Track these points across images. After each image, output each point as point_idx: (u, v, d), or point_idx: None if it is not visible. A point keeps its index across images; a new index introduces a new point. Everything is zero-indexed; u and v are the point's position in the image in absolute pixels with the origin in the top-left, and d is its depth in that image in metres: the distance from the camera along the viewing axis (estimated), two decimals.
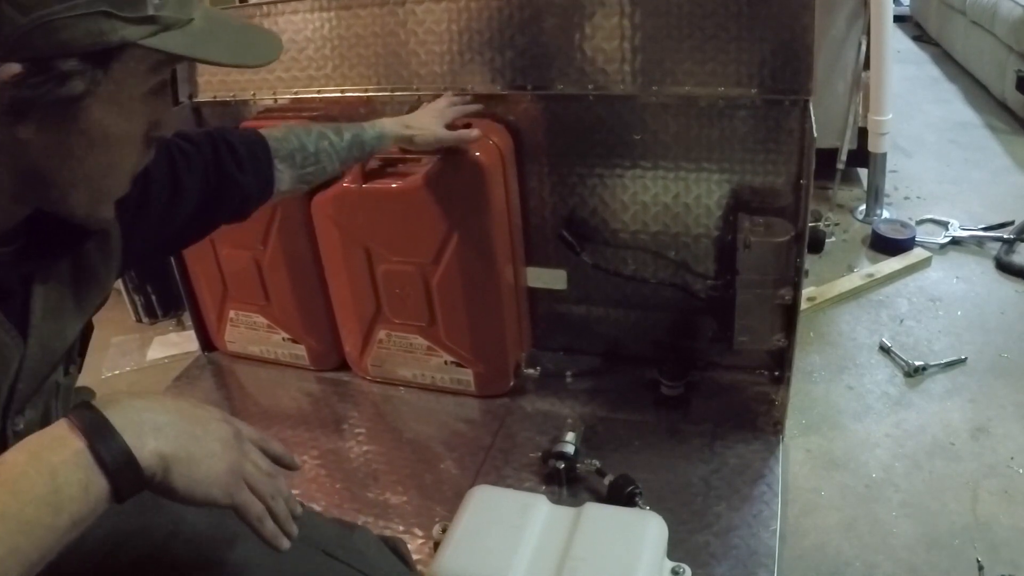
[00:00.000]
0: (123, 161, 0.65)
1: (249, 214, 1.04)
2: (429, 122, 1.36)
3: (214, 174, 0.94)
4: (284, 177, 1.07)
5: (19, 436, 0.65)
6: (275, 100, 1.66)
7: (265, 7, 1.57)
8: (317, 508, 1.34)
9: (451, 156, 1.42)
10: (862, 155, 2.32)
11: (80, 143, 0.60)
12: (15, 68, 0.53)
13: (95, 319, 0.80)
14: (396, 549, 0.92)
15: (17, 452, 0.54)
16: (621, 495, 1.32)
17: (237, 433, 0.66)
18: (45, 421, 0.70)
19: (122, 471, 0.55)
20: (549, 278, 1.68)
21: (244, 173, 0.99)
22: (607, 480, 1.36)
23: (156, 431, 0.58)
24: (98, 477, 0.54)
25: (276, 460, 0.70)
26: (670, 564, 1.16)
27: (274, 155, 1.05)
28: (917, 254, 2.15)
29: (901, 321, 1.91)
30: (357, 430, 1.63)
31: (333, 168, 1.19)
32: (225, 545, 0.80)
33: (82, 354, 0.77)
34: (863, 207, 2.41)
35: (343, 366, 1.80)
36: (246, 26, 0.70)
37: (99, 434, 0.55)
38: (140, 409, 0.59)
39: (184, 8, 0.61)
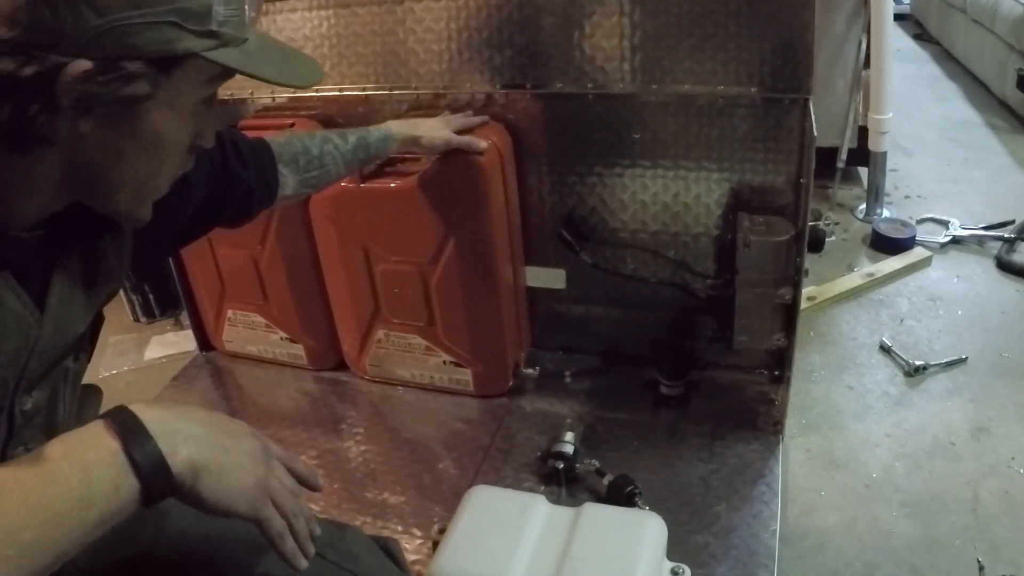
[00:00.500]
0: (168, 166, 0.67)
1: (252, 216, 1.05)
2: (436, 125, 1.37)
3: (220, 171, 0.95)
4: (288, 181, 1.08)
5: (25, 415, 0.68)
6: (273, 99, 1.66)
7: (264, 5, 1.57)
8: (315, 508, 1.34)
9: (450, 156, 1.41)
10: (862, 154, 2.32)
11: (133, 144, 0.62)
12: (86, 65, 0.56)
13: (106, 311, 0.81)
14: (388, 550, 0.92)
15: (54, 447, 0.56)
16: (620, 495, 1.32)
17: (266, 449, 0.68)
18: (52, 403, 0.72)
19: (154, 475, 0.57)
20: (548, 277, 1.68)
21: (248, 171, 0.99)
22: (606, 480, 1.35)
23: (189, 440, 0.60)
24: (130, 478, 0.56)
25: (301, 480, 0.72)
26: (669, 564, 1.16)
27: (277, 159, 1.06)
28: (917, 253, 2.14)
29: (901, 320, 1.91)
30: (355, 430, 1.63)
31: (338, 172, 1.19)
32: (210, 546, 0.81)
33: (92, 343, 0.79)
34: (863, 206, 2.41)
35: (341, 366, 1.80)
36: (292, 51, 0.74)
37: (134, 438, 0.57)
38: (175, 418, 0.61)
39: (241, 29, 0.64)
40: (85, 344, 0.76)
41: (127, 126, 0.61)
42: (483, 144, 1.41)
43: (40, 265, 0.67)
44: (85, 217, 0.68)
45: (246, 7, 0.64)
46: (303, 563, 0.69)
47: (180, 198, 0.88)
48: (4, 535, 0.51)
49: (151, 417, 0.59)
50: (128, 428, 0.58)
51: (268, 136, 1.08)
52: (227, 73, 0.65)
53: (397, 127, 1.30)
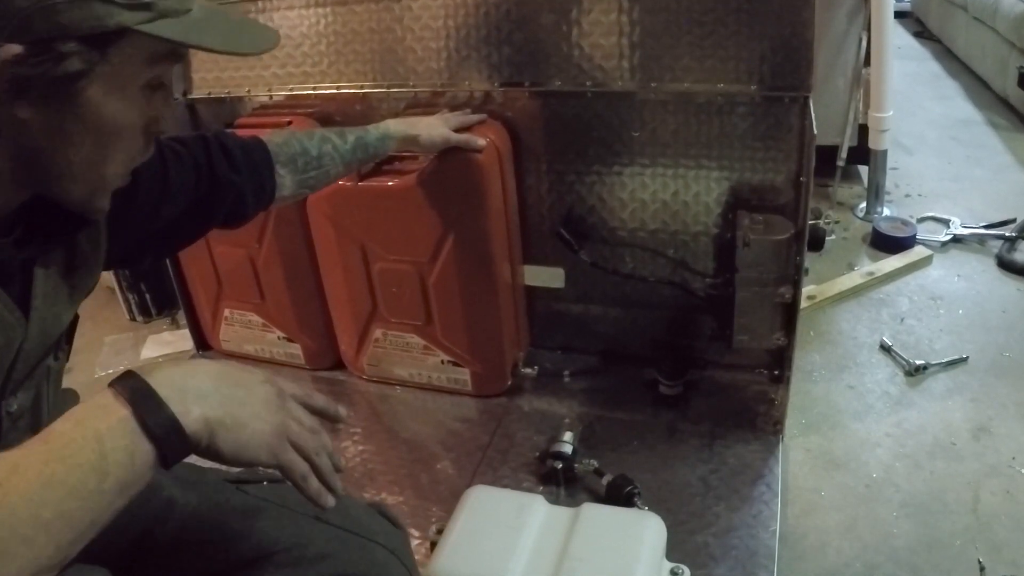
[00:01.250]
0: (120, 151, 0.66)
1: (248, 217, 1.04)
2: (435, 123, 1.36)
3: (206, 175, 0.94)
4: (286, 182, 1.07)
5: (11, 417, 0.67)
6: (270, 97, 1.65)
7: (260, 2, 1.57)
8: None
9: (448, 154, 1.41)
10: (862, 152, 2.31)
11: (77, 127, 0.61)
12: (16, 48, 0.55)
13: (84, 313, 0.81)
14: (383, 512, 0.93)
15: (63, 422, 0.56)
16: (619, 495, 1.31)
17: (280, 392, 0.66)
18: (37, 404, 0.72)
19: (168, 438, 0.57)
20: (547, 276, 1.67)
21: (239, 174, 0.98)
22: (605, 480, 1.35)
23: (200, 398, 0.59)
24: (144, 443, 0.56)
25: (320, 413, 0.71)
26: (669, 565, 1.15)
27: (275, 160, 1.05)
28: (918, 252, 2.14)
29: (902, 320, 1.90)
30: (353, 430, 1.62)
31: (337, 172, 1.18)
32: (218, 517, 0.81)
33: (69, 341, 0.78)
34: (863, 205, 2.40)
35: (339, 365, 1.79)
36: (244, 20, 0.72)
37: (144, 402, 0.56)
38: (184, 376, 0.60)
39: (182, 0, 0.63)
40: (63, 343, 0.76)
41: (68, 109, 0.60)
42: (482, 142, 1.41)
43: (18, 264, 0.66)
44: (60, 213, 0.67)
45: None
46: (330, 501, 0.68)
47: (158, 195, 0.87)
48: (24, 514, 0.50)
49: (160, 379, 0.58)
50: (137, 393, 0.57)
51: (266, 135, 1.07)
52: (173, 53, 0.64)
53: (395, 126, 1.29)
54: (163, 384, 0.58)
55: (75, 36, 0.57)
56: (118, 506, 0.55)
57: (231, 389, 0.62)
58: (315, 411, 0.70)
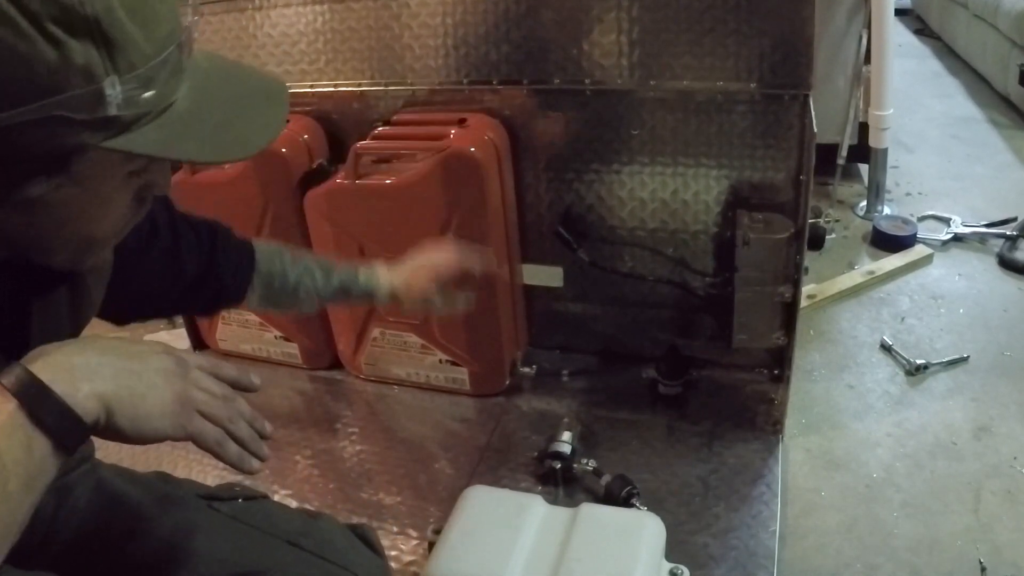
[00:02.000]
0: (106, 224, 0.63)
1: (213, 314, 1.01)
2: (424, 282, 1.14)
3: (205, 262, 0.92)
4: (253, 296, 1.01)
5: None
6: None
7: (257, 0, 1.56)
8: (308, 507, 1.33)
9: (446, 152, 1.40)
10: (863, 150, 2.30)
11: (51, 222, 0.58)
12: None
13: None
14: (364, 537, 0.91)
15: None
16: (618, 496, 1.31)
17: (180, 361, 0.63)
18: None
19: (61, 423, 0.53)
20: (545, 275, 1.66)
21: (228, 273, 0.95)
22: (604, 480, 1.34)
23: (90, 374, 0.56)
24: (38, 435, 0.53)
25: (233, 383, 0.67)
26: (668, 565, 1.15)
27: (255, 269, 1.00)
28: (918, 251, 2.13)
29: (902, 319, 1.89)
30: (350, 430, 1.62)
31: (310, 307, 1.08)
32: (186, 536, 0.79)
33: None
34: (864, 203, 2.40)
35: (336, 364, 1.78)
36: (246, 92, 0.65)
37: (28, 391, 0.53)
38: (70, 354, 0.56)
39: (163, 96, 0.56)
40: None
41: (39, 213, 0.56)
42: (480, 265, 1.21)
43: (14, 303, 0.64)
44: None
45: (159, 72, 0.55)
46: (255, 465, 0.65)
47: (166, 268, 0.85)
48: None
49: (44, 363, 0.54)
50: (21, 383, 0.53)
51: (256, 241, 1.02)
52: (152, 158, 0.59)
53: (384, 283, 1.11)
54: (47, 367, 0.54)
55: (31, 157, 0.52)
56: (30, 502, 0.53)
57: (123, 361, 0.58)
58: (226, 379, 0.67)
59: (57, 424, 0.53)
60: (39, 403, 0.53)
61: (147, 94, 0.54)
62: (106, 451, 0.81)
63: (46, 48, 0.50)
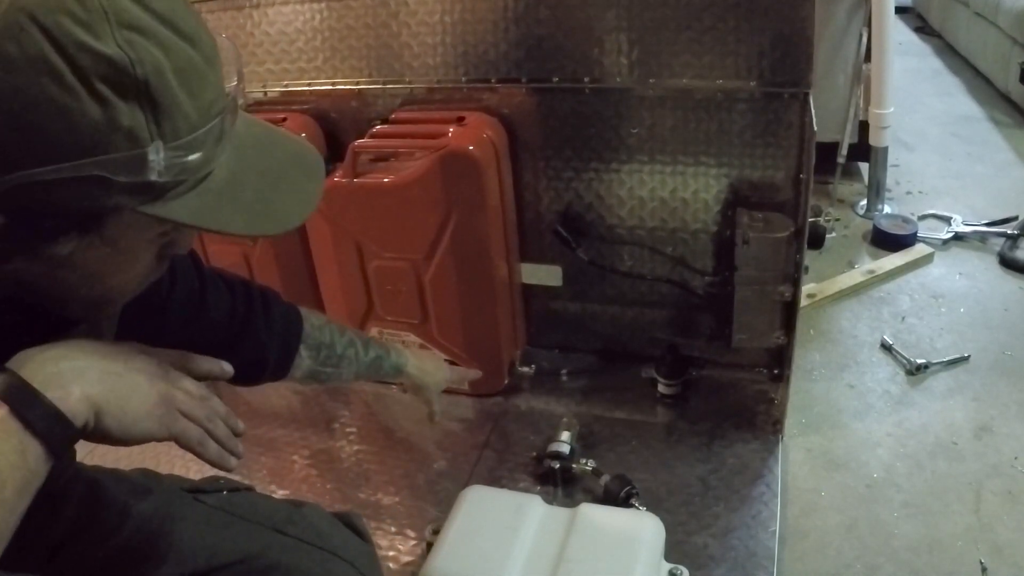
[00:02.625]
0: (126, 281, 0.63)
1: (257, 382, 0.98)
2: (441, 370, 1.32)
3: (240, 323, 0.90)
4: (303, 364, 1.00)
5: None
6: (264, 93, 1.64)
7: None
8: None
9: (444, 151, 1.39)
10: (863, 149, 2.30)
11: (74, 278, 0.58)
12: None
13: None
14: (351, 523, 0.91)
15: None
16: (617, 496, 1.31)
17: (159, 362, 0.65)
18: None
19: (52, 427, 0.54)
20: (544, 274, 1.66)
21: (271, 339, 0.94)
22: (603, 480, 1.34)
23: (77, 376, 0.57)
24: (30, 439, 0.53)
25: (206, 375, 0.69)
26: (667, 566, 1.15)
27: (304, 339, 0.99)
28: (919, 250, 2.12)
29: (903, 318, 1.89)
30: (348, 429, 1.61)
31: (348, 377, 1.11)
32: (172, 528, 0.80)
33: None
34: (864, 202, 2.39)
35: None
36: (283, 162, 0.65)
37: (18, 396, 0.54)
38: (56, 359, 0.57)
39: (204, 163, 0.56)
40: None
41: (65, 269, 0.56)
42: (476, 373, 1.46)
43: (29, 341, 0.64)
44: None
45: (203, 141, 0.55)
46: (233, 462, 0.67)
47: (189, 319, 0.84)
48: None
49: (31, 368, 0.55)
50: (11, 389, 0.54)
51: (306, 311, 1.02)
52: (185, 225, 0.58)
53: (411, 367, 1.21)
54: (37, 372, 0.55)
55: (64, 214, 0.52)
56: (22, 508, 0.53)
57: (108, 363, 0.59)
58: (199, 374, 0.69)
59: (48, 428, 0.54)
60: (30, 407, 0.53)
61: (190, 162, 0.54)
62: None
63: (92, 106, 0.49)
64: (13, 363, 0.55)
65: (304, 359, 1.00)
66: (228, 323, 0.89)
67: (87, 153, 0.49)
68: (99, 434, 0.57)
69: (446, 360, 1.45)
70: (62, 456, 0.55)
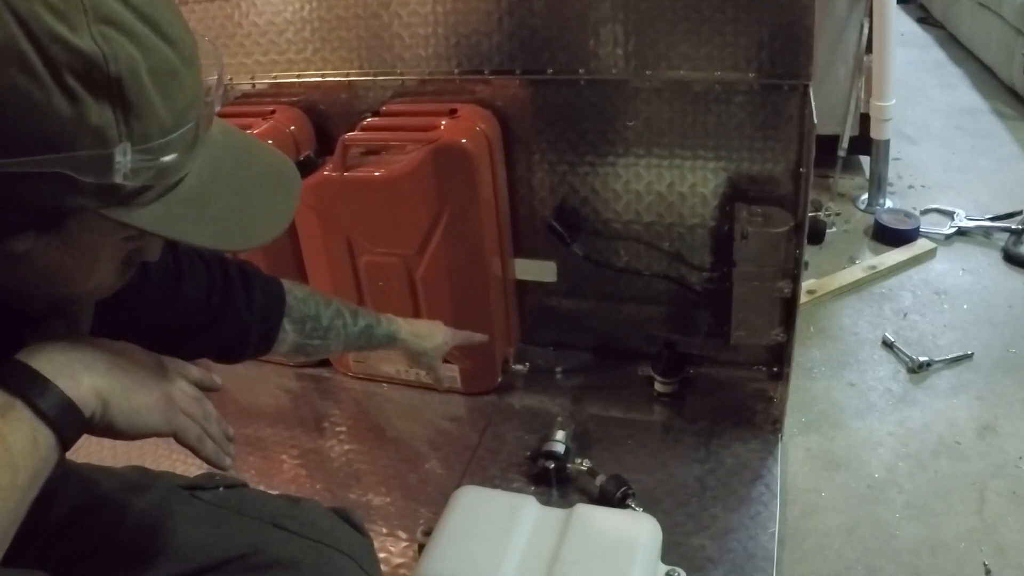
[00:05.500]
0: (88, 284, 0.61)
1: (241, 359, 0.98)
2: (437, 331, 1.28)
3: (218, 301, 0.89)
4: (287, 339, 1.00)
5: None
6: (253, 85, 1.63)
7: None
8: None
9: (436, 144, 1.38)
10: (864, 142, 2.29)
11: (32, 276, 0.57)
12: None
13: None
14: (348, 518, 0.91)
15: None
16: (613, 496, 1.30)
17: (159, 360, 0.67)
18: None
19: (63, 416, 0.56)
20: (538, 270, 1.65)
21: (251, 314, 0.93)
22: (598, 481, 1.34)
23: (87, 368, 0.58)
24: (42, 428, 0.55)
25: (197, 384, 0.71)
26: (664, 568, 1.15)
27: (287, 312, 0.99)
28: (921, 245, 2.11)
29: (905, 315, 1.88)
30: (338, 428, 1.61)
31: (337, 348, 1.13)
32: (170, 524, 0.81)
33: None
34: (865, 196, 2.38)
35: (324, 362, 1.76)
36: (257, 176, 0.64)
37: (31, 386, 0.55)
38: (67, 349, 0.59)
39: (174, 170, 0.55)
40: None
41: (22, 267, 0.55)
42: (482, 337, 1.37)
43: (6, 332, 0.63)
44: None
45: (174, 146, 0.53)
46: (228, 461, 0.70)
47: (165, 298, 0.83)
48: None
49: (42, 359, 0.57)
50: (24, 379, 0.55)
51: (289, 284, 1.01)
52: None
53: (405, 333, 1.21)
54: (48, 363, 0.56)
55: (24, 209, 0.51)
56: (31, 496, 0.55)
57: (114, 357, 0.61)
58: (192, 381, 0.70)
59: (60, 417, 0.56)
60: (43, 397, 0.55)
61: (159, 167, 0.53)
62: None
63: (60, 100, 0.48)
64: (23, 354, 0.57)
65: (289, 333, 1.00)
66: (206, 301, 0.89)
67: (52, 148, 0.48)
68: (104, 425, 0.59)
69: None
70: (70, 446, 0.57)
